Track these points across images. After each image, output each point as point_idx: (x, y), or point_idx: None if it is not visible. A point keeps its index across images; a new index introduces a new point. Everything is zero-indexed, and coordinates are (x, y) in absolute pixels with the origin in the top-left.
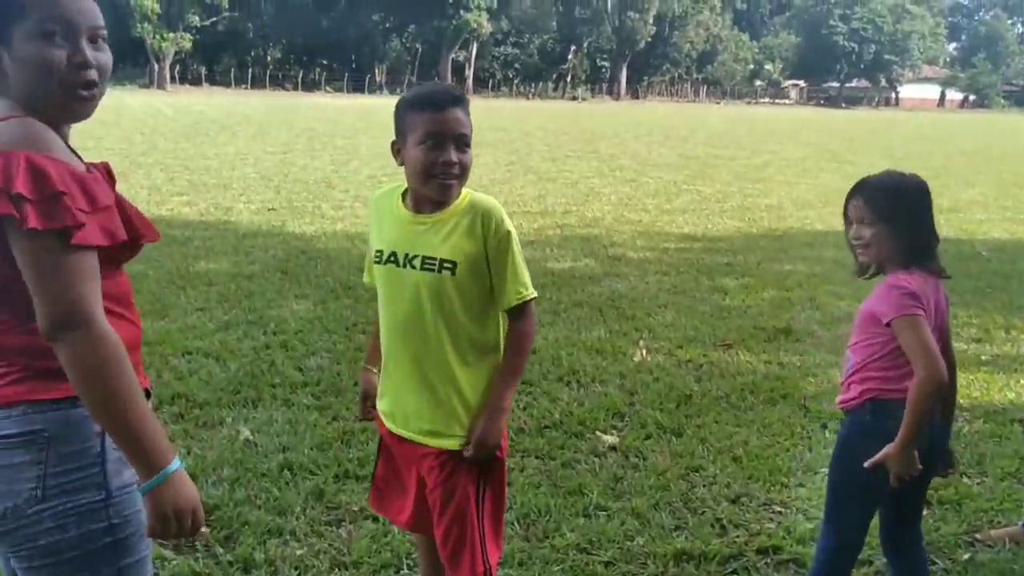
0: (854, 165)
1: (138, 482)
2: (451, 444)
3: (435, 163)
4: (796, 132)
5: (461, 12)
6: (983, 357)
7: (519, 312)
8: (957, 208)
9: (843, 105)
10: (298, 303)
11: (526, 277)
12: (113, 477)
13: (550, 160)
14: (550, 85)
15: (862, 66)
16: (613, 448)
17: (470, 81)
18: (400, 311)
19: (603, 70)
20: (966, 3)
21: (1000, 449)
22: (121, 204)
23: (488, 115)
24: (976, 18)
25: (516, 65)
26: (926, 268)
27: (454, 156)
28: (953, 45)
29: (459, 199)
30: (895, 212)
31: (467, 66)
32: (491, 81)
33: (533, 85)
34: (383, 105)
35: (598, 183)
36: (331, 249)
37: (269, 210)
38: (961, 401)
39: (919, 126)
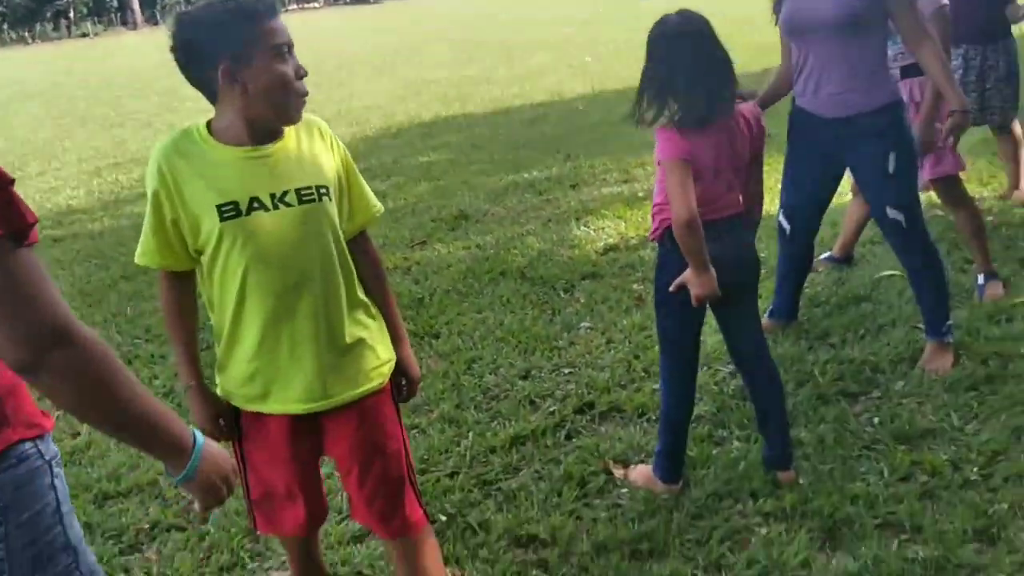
0: (422, 55)
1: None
2: (377, 384)
3: (292, 78)
4: (344, 34)
5: None
6: (639, 194)
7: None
8: (534, 75)
9: (371, 1)
10: None
11: None
12: (70, 530)
13: (107, 105)
14: (49, 26)
15: None
16: None
17: None
18: (286, 263)
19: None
20: None
21: None
22: None
23: None
24: None
25: (1, 9)
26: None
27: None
28: None
29: None
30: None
31: None
32: None
33: (29, 29)
34: None
35: (175, 119)
36: None
37: None
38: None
39: (457, 7)
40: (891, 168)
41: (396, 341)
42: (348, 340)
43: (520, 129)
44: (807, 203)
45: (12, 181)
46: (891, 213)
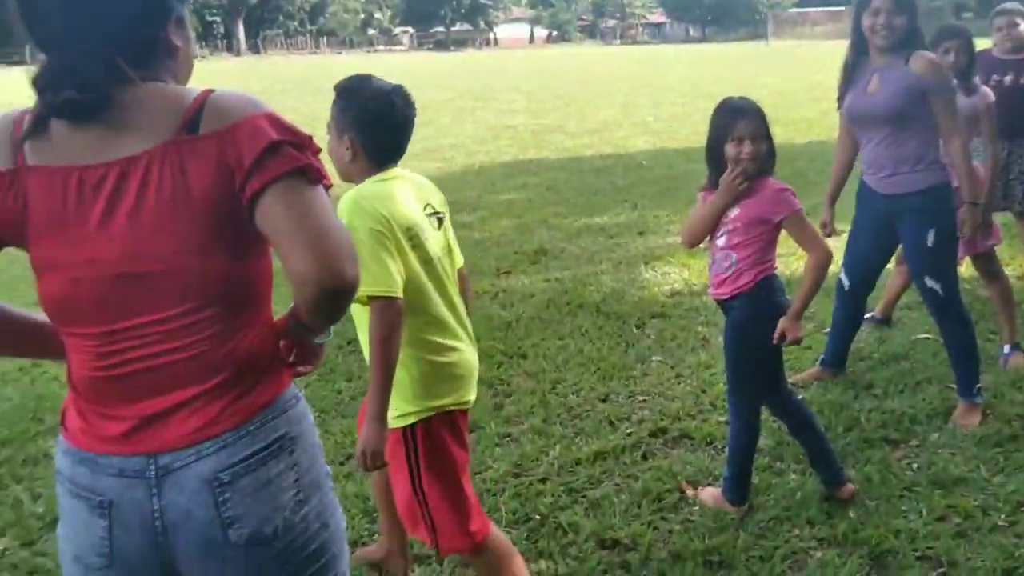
0: (499, 102)
1: None
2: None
3: None
4: (427, 77)
5: None
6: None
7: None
8: (601, 129)
9: (452, 48)
10: None
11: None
12: (323, 462)
13: None
14: None
15: (463, 10)
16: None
17: None
18: None
19: (214, 25)
20: None
21: None
22: None
23: None
24: None
25: None
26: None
27: None
28: None
29: None
30: (767, 129)
31: None
32: None
33: None
34: None
35: None
36: None
37: None
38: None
39: (525, 61)
40: (930, 242)
41: None
42: None
43: (590, 177)
44: (865, 264)
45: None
46: (929, 282)
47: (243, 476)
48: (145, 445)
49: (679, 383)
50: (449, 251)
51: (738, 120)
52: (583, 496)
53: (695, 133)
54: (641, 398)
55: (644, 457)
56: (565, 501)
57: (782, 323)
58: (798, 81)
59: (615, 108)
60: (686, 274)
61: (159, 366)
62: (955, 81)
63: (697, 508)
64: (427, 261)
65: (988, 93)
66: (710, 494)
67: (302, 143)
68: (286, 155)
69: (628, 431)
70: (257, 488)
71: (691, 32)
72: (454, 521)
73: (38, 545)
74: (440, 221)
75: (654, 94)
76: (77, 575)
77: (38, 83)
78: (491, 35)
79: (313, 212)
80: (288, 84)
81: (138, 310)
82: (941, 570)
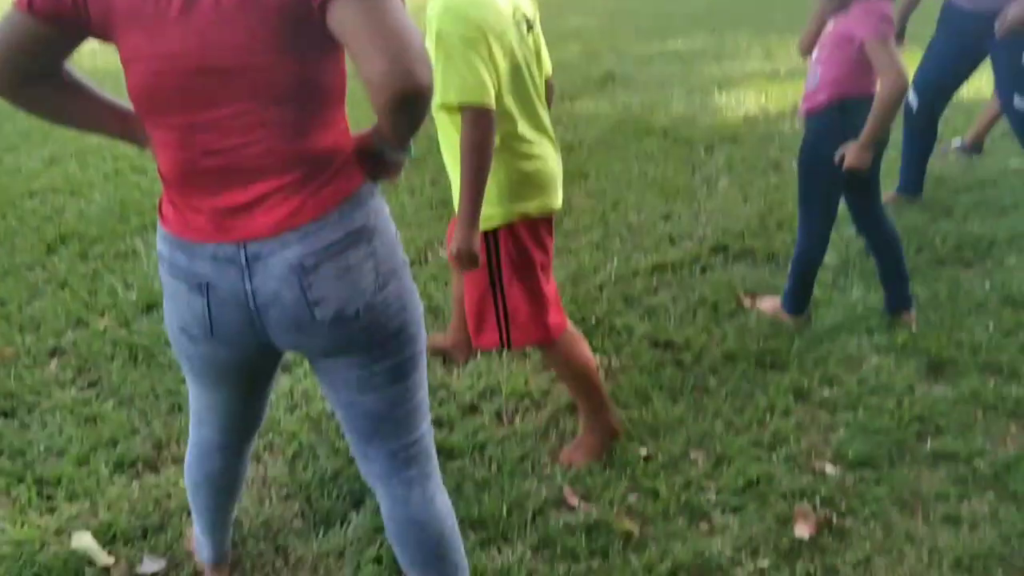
0: None
1: None
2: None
3: None
4: None
5: None
6: (781, 71)
7: None
8: None
9: None
10: None
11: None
12: (402, 253)
13: None
14: None
15: None
16: None
17: None
18: None
19: None
20: None
21: None
22: None
23: None
24: None
25: None
26: None
27: None
28: None
29: None
30: None
31: None
32: None
33: None
34: None
35: None
36: None
37: None
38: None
39: None
40: None
41: None
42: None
43: (667, 2)
44: (937, 84)
45: None
46: (1018, 102)
47: (325, 262)
48: (235, 234)
49: (745, 204)
50: (538, 58)
51: None
52: (638, 303)
53: None
54: (704, 218)
55: (703, 271)
56: (620, 307)
57: (844, 147)
58: None
59: None
60: (763, 99)
61: (237, 159)
62: None
63: (754, 316)
64: (515, 68)
65: None
66: (769, 303)
67: None
68: None
69: (688, 247)
70: (338, 274)
71: None
72: (531, 314)
73: (133, 326)
74: (529, 27)
75: None
76: (183, 343)
77: None
78: None
79: (385, 14)
80: None
81: (215, 103)
82: (1001, 378)
